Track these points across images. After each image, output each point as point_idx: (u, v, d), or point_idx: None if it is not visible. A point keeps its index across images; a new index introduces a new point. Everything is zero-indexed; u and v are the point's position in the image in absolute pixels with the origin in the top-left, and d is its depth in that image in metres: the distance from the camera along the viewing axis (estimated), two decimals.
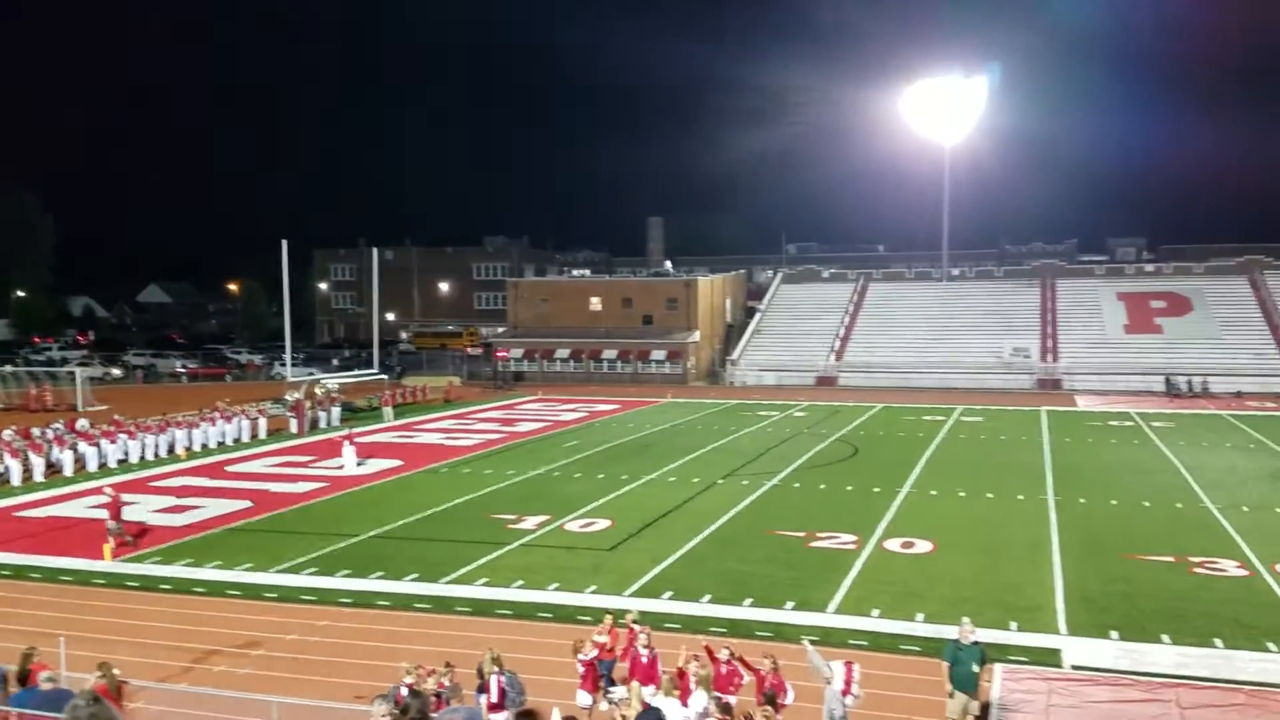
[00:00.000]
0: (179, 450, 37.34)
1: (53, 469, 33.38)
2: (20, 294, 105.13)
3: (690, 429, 44.09)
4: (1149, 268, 78.52)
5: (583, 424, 46.33)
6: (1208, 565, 20.62)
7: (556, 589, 19.47)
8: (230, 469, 34.23)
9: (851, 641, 16.25)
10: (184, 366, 76.33)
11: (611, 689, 13.51)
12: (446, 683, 12.32)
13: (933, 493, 28.83)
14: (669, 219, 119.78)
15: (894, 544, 22.72)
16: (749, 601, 18.54)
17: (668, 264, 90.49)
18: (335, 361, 77.77)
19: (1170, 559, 21.11)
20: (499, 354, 73.26)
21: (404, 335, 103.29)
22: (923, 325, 71.33)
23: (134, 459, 35.66)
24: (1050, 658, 15.59)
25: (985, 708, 13.44)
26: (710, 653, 12.73)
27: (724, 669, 12.60)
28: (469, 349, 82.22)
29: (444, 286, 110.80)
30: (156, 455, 36.48)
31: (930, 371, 64.52)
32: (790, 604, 18.37)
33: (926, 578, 20.03)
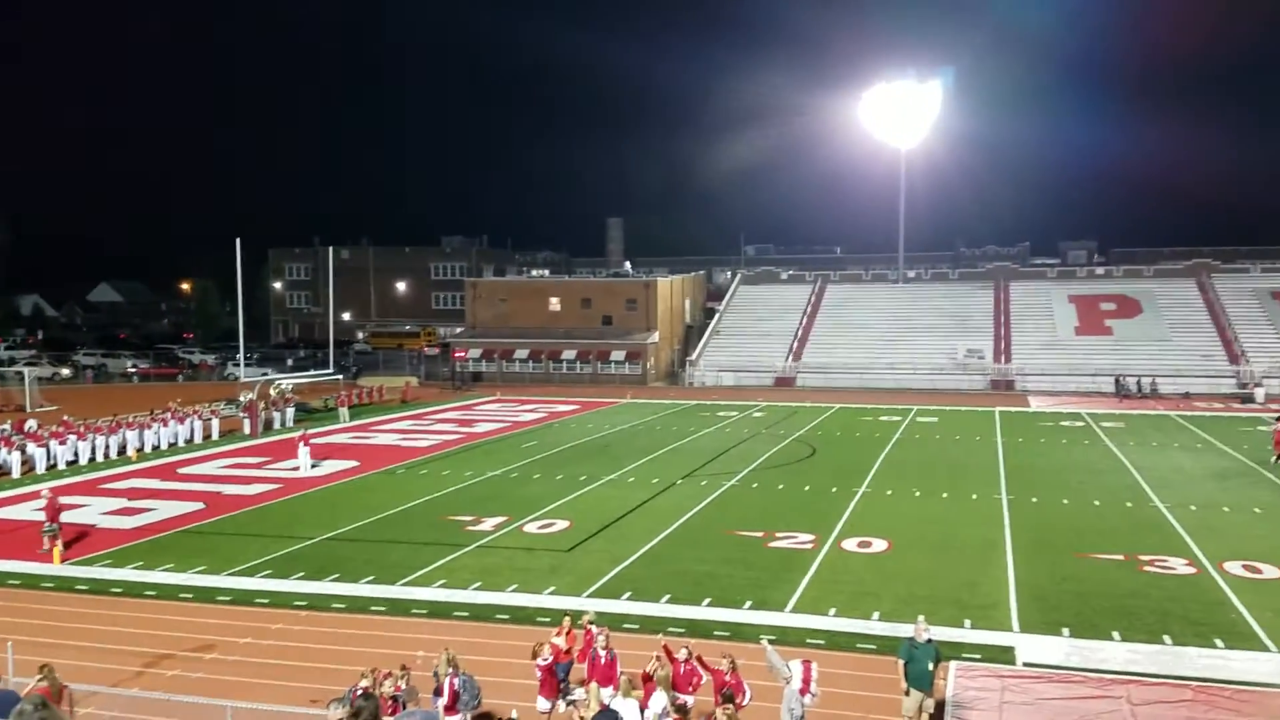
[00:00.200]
0: (130, 451, 36.74)
1: (1, 471, 32.64)
2: None
3: (649, 429, 44.14)
4: (1099, 270, 79.96)
5: (542, 425, 46.19)
6: (1157, 563, 21.02)
7: (515, 590, 19.39)
8: (183, 470, 33.70)
9: (809, 640, 16.35)
10: (135, 366, 75.15)
11: (571, 691, 13.48)
12: (403, 685, 12.21)
13: (889, 492, 29.12)
14: (628, 220, 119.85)
15: (851, 543, 22.92)
16: (707, 601, 18.60)
17: (627, 265, 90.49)
18: (290, 362, 76.79)
19: (1120, 557, 21.50)
20: (457, 354, 72.84)
21: (360, 335, 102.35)
22: (879, 327, 72.05)
23: (84, 460, 35.03)
24: (1004, 655, 15.80)
25: (940, 705, 13.58)
26: (669, 652, 12.74)
27: (682, 669, 12.61)
28: (426, 349, 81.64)
29: (401, 286, 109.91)
30: (107, 456, 35.87)
31: (886, 372, 65.17)
32: (748, 603, 18.46)
33: (882, 576, 20.22)
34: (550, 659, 13.18)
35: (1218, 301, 68.72)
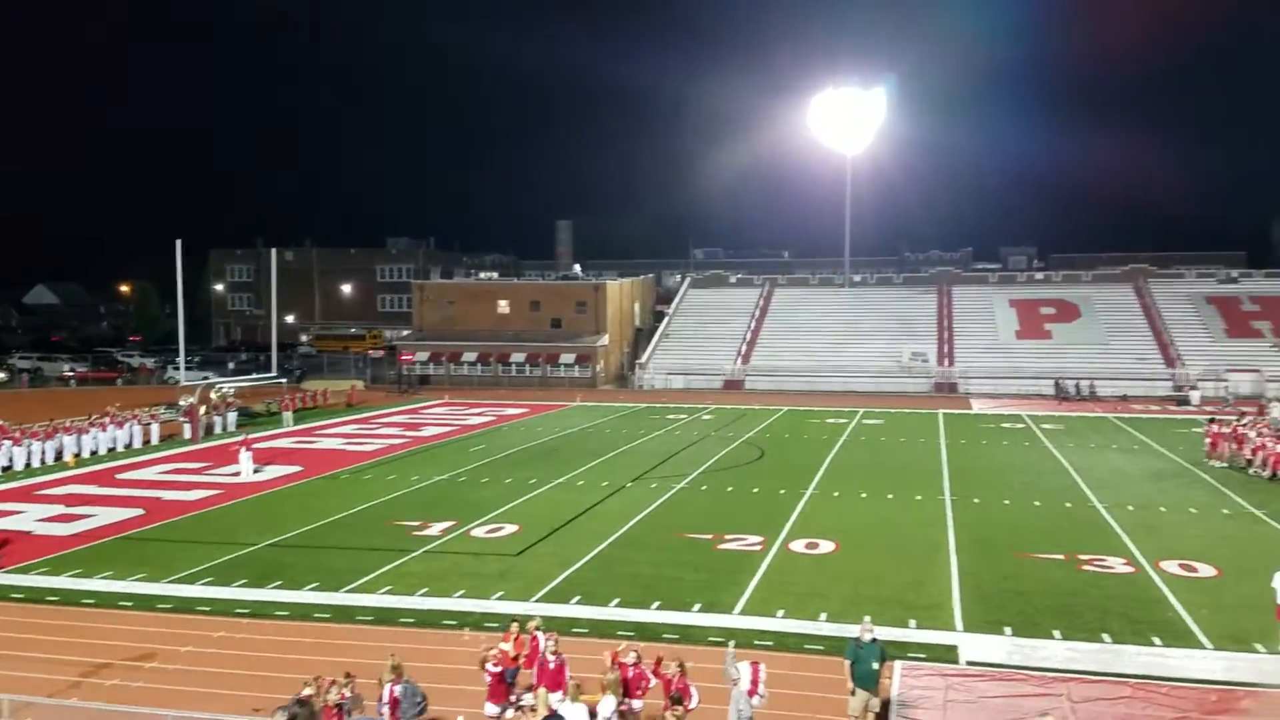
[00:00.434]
0: (67, 457, 35.88)
1: None
2: None
3: (599, 432, 44.08)
4: (1039, 276, 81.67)
5: (490, 428, 45.90)
6: (1096, 563, 21.48)
7: (462, 596, 19.23)
8: (121, 476, 32.98)
9: (757, 642, 16.43)
10: (73, 370, 73.38)
11: (521, 696, 13.39)
12: (348, 694, 12.04)
13: (836, 494, 29.40)
14: (578, 222, 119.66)
15: (799, 545, 23.09)
16: (657, 604, 18.61)
17: (576, 267, 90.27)
18: (232, 365, 75.62)
19: (1060, 557, 21.92)
20: (403, 357, 72.14)
21: (304, 338, 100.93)
22: (826, 330, 72.75)
23: (19, 466, 34.16)
24: (947, 654, 16.03)
25: (886, 705, 13.74)
26: (615, 658, 12.72)
27: (630, 673, 12.60)
28: (370, 351, 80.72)
29: (346, 288, 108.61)
30: (43, 462, 35.04)
31: (833, 375, 65.81)
32: (698, 606, 18.50)
33: (830, 578, 20.40)
34: (500, 668, 13.09)
35: (1154, 306, 70.49)
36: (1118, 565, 21.28)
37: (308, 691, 11.72)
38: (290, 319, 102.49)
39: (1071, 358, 64.45)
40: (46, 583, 20.31)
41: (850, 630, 14.84)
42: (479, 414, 51.50)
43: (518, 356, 71.00)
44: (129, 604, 18.97)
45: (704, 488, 30.56)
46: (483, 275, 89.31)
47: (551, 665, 12.97)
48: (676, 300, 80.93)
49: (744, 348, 71.57)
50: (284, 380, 55.99)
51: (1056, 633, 16.98)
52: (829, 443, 40.30)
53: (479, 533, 24.53)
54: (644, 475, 32.71)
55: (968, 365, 65.96)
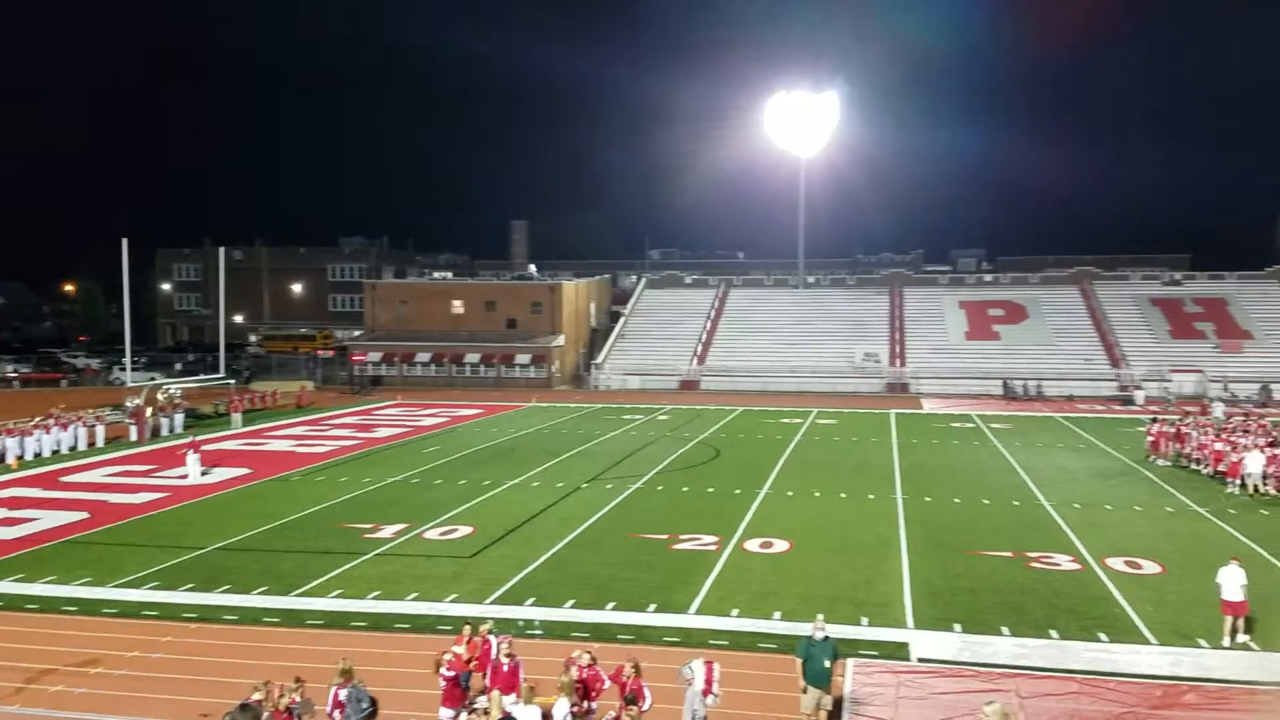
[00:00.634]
0: (10, 460, 35.21)
1: None
2: None
3: (555, 433, 43.96)
4: (988, 278, 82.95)
5: (444, 429, 45.56)
6: (1043, 560, 21.83)
7: (415, 599, 19.06)
8: (65, 479, 32.35)
9: (711, 641, 16.49)
10: (15, 371, 71.65)
11: (475, 700, 13.30)
12: (298, 698, 11.90)
13: (790, 494, 29.60)
14: (533, 223, 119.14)
15: (753, 544, 23.20)
16: (612, 605, 18.59)
17: (532, 267, 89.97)
18: (179, 366, 74.30)
19: (1009, 554, 22.26)
20: (355, 358, 71.38)
21: (253, 338, 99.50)
22: (781, 331, 73.27)
23: None
24: (899, 651, 16.20)
25: (838, 702, 13.84)
26: (570, 661, 12.66)
27: (584, 674, 12.57)
28: (319, 351, 79.74)
29: (297, 288, 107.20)
30: None
31: (788, 375, 66.30)
32: (653, 606, 18.51)
33: (784, 576, 20.52)
34: (454, 673, 12.97)
35: (1099, 308, 71.91)
36: (1065, 562, 21.65)
37: (257, 696, 11.60)
38: (239, 319, 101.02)
39: (1019, 358, 65.54)
40: None
41: (804, 628, 14.93)
42: (433, 415, 51.11)
43: (472, 357, 70.59)
44: (73, 609, 18.58)
45: (660, 488, 30.60)
46: (437, 275, 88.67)
47: (506, 668, 12.90)
48: (632, 301, 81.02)
49: (700, 348, 71.82)
50: (232, 381, 55.37)
51: (1005, 629, 17.23)
52: (783, 443, 40.56)
53: (432, 535, 24.34)
54: (600, 476, 32.68)
55: (919, 366, 66.79)
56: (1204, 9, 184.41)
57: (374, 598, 19.14)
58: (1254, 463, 29.16)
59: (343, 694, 12.02)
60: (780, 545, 23.11)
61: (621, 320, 77.90)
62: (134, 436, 41.10)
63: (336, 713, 12.01)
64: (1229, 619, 16.49)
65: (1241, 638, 16.41)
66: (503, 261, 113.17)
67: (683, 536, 23.88)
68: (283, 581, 20.20)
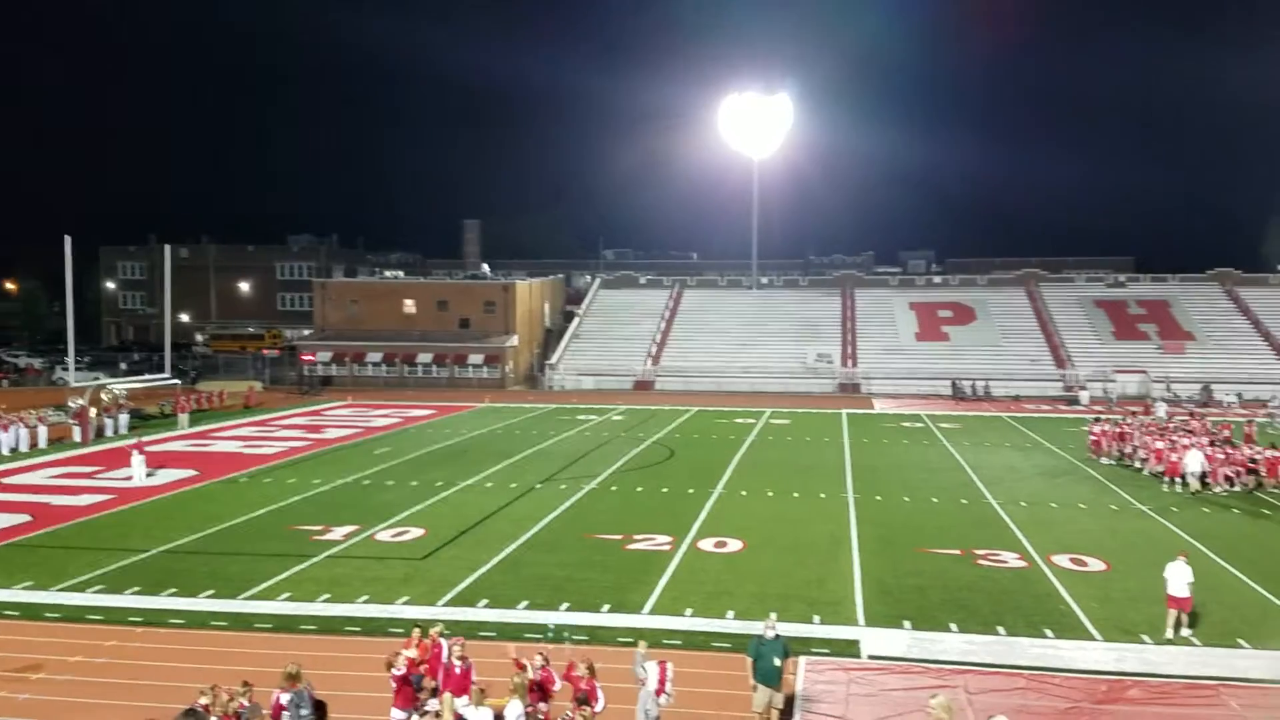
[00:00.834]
0: None
1: None
2: None
3: (508, 434, 43.75)
4: (937, 279, 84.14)
5: (395, 430, 45.14)
6: (990, 557, 22.18)
7: (366, 601, 18.86)
8: (7, 481, 31.66)
9: (665, 641, 16.49)
10: None
11: (426, 702, 13.19)
12: (245, 703, 11.76)
13: (743, 493, 29.75)
14: (486, 222, 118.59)
15: (707, 544, 23.28)
16: (566, 606, 18.54)
17: (485, 267, 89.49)
18: (124, 365, 72.88)
19: (957, 552, 22.57)
20: (304, 357, 70.45)
21: (200, 338, 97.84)
22: (735, 331, 73.65)
23: None
24: (850, 649, 16.35)
25: (790, 700, 13.93)
26: (518, 665, 12.58)
27: (538, 675, 12.53)
28: (264, 350, 78.61)
29: (244, 286, 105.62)
30: None
31: (742, 376, 66.68)
32: (607, 606, 18.50)
33: (737, 576, 20.62)
34: (403, 671, 12.86)
35: (1045, 309, 73.24)
36: (1011, 560, 22.00)
37: (204, 701, 11.45)
38: (185, 318, 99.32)
39: (968, 359, 66.52)
40: None
41: (757, 627, 15.02)
42: (384, 416, 50.61)
43: (424, 357, 70.03)
44: (15, 613, 18.15)
45: (614, 488, 30.58)
46: (388, 274, 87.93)
47: (458, 670, 12.82)
48: (587, 301, 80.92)
49: (654, 348, 71.93)
50: (178, 381, 54.52)
51: (954, 626, 17.47)
52: (737, 443, 40.77)
53: (384, 537, 24.09)
54: (554, 476, 32.59)
55: (870, 366, 67.50)
56: (1148, 20, 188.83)
57: (324, 600, 18.91)
58: (1193, 461, 29.89)
59: (284, 698, 11.89)
60: (734, 544, 23.22)
61: (576, 320, 77.78)
62: (78, 437, 40.25)
63: (282, 716, 11.85)
64: (1173, 613, 16.91)
65: (1185, 632, 16.82)
66: (455, 261, 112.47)
67: (637, 536, 23.90)
68: (230, 584, 19.88)
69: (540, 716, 12.38)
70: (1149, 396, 56.75)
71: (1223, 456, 30.37)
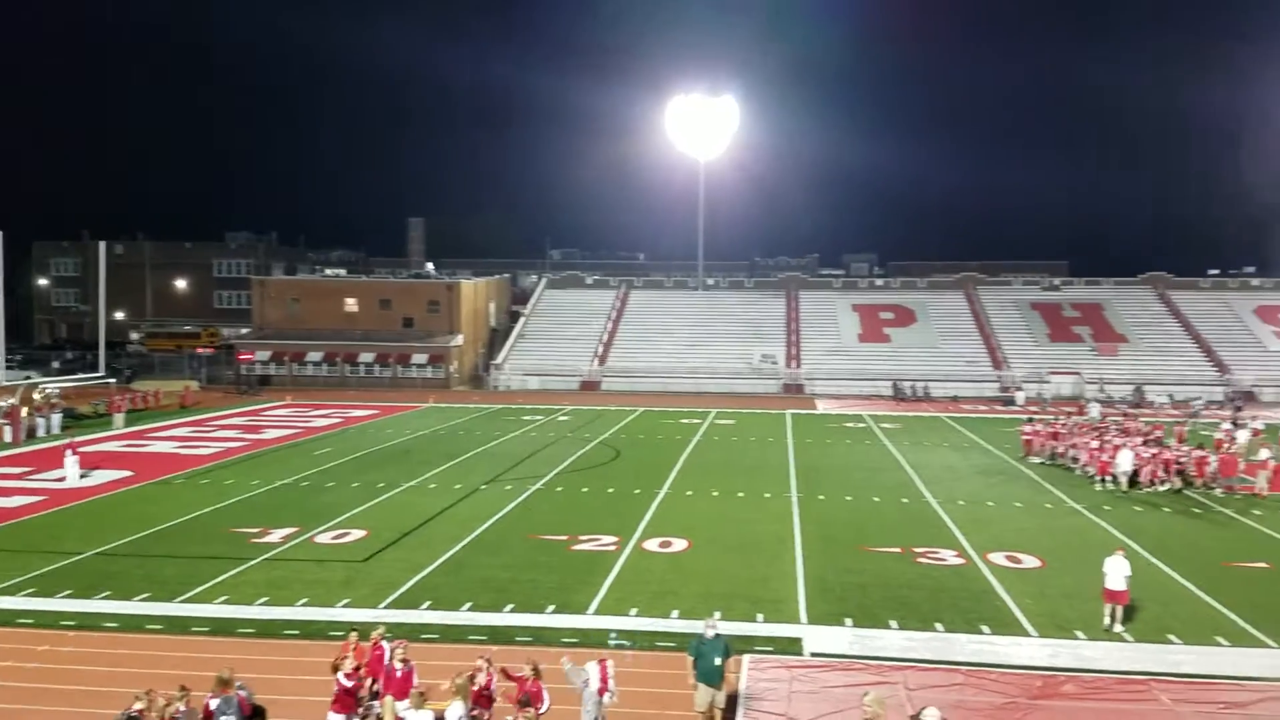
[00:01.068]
0: None
1: None
2: None
3: (452, 434, 43.43)
4: (879, 282, 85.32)
5: (336, 430, 44.54)
6: (930, 555, 22.56)
7: (305, 604, 18.60)
8: None
9: (611, 642, 16.53)
10: None
11: (368, 706, 13.06)
12: (182, 708, 11.56)
13: (689, 493, 29.88)
14: (431, 220, 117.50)
15: (653, 544, 23.35)
16: (510, 607, 18.47)
17: (429, 265, 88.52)
18: (56, 364, 70.90)
19: (898, 550, 22.93)
20: (242, 356, 69.19)
21: (135, 336, 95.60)
22: (681, 332, 73.91)
23: None
24: (792, 646, 16.53)
25: (733, 698, 14.04)
26: (473, 678, 12.50)
27: (488, 682, 12.49)
28: (199, 349, 77.11)
29: (181, 284, 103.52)
30: None
31: (687, 376, 66.92)
32: (551, 607, 18.46)
33: (682, 575, 20.71)
34: (352, 684, 12.69)
35: (983, 312, 74.63)
36: (950, 557, 22.40)
37: (139, 706, 11.28)
38: (120, 316, 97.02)
39: (908, 360, 67.49)
40: None
41: (700, 626, 15.10)
42: (324, 416, 49.92)
43: (366, 356, 69.16)
44: None
45: (559, 489, 30.53)
46: (329, 272, 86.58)
47: (399, 673, 12.71)
48: (533, 300, 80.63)
49: (600, 349, 71.90)
50: (113, 380, 53.45)
51: (894, 623, 17.74)
52: (683, 443, 40.93)
53: (324, 539, 23.78)
54: (499, 477, 32.42)
55: (813, 367, 68.19)
56: (1081, 28, 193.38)
57: (262, 604, 18.61)
58: (1124, 460, 30.71)
59: (214, 703, 11.74)
60: (679, 544, 23.32)
61: (521, 320, 77.44)
62: (8, 438, 39.25)
63: None
64: (1110, 606, 17.39)
65: (1118, 628, 17.27)
66: (399, 259, 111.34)
67: (582, 537, 23.89)
68: (166, 587, 19.49)
69: (485, 718, 12.35)
70: (1083, 397, 58.13)
71: (1149, 455, 31.23)
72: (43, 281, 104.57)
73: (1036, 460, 36.11)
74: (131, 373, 65.76)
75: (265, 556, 22.00)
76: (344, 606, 18.45)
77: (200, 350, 76.49)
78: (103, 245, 60.00)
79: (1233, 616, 18.07)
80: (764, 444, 41.10)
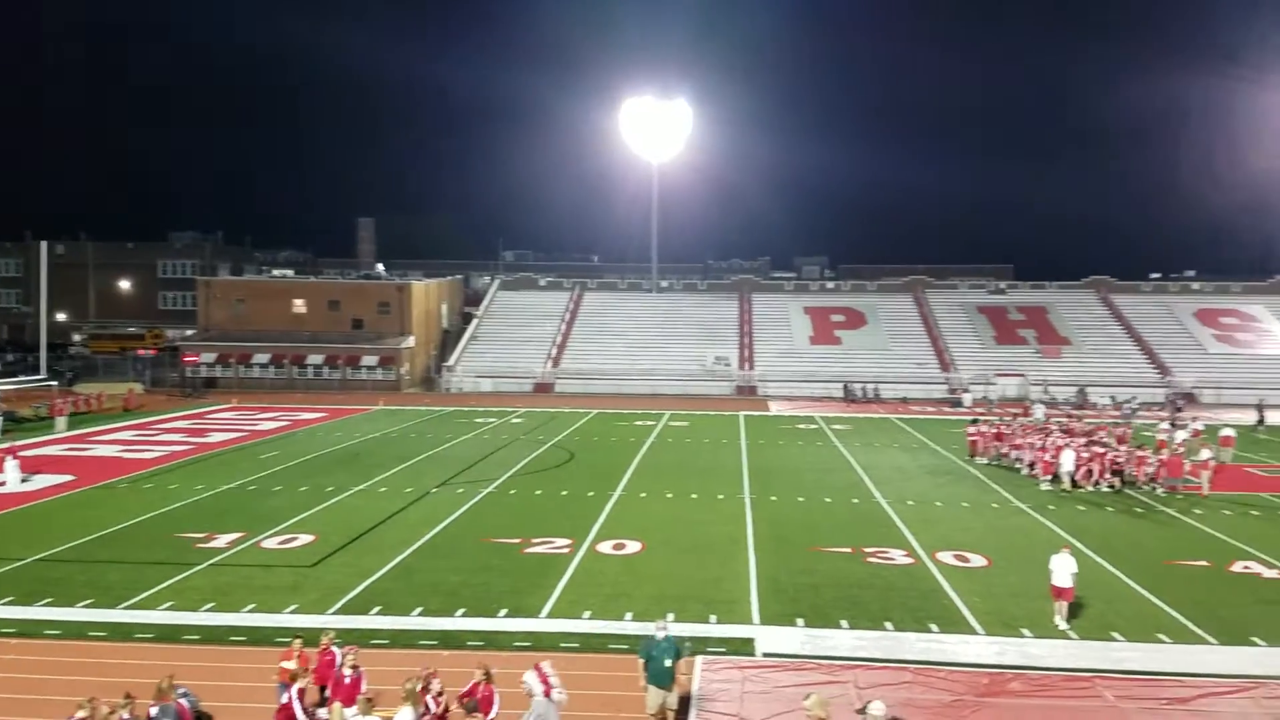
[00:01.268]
0: None
1: None
2: None
3: (403, 437, 43.03)
4: (830, 285, 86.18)
5: (284, 433, 43.92)
6: (879, 555, 22.81)
7: (252, 610, 18.32)
8: None
9: (563, 644, 16.50)
10: None
11: (314, 713, 12.90)
12: (126, 715, 11.38)
13: (643, 495, 29.91)
14: (381, 220, 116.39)
15: (606, 546, 23.34)
16: (461, 611, 18.34)
17: (379, 266, 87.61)
18: None
19: (848, 550, 23.15)
20: (187, 358, 67.95)
21: (77, 338, 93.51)
22: (634, 334, 74.00)
23: None
24: (745, 647, 16.62)
25: (686, 699, 14.08)
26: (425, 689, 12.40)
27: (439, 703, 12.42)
28: (139, 351, 75.64)
29: (124, 285, 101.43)
30: None
31: (641, 378, 67.01)
32: (504, 611, 18.37)
33: (636, 577, 20.72)
34: (301, 708, 12.50)
35: (931, 315, 75.70)
36: (899, 557, 22.67)
37: (81, 715, 11.14)
38: (62, 317, 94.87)
39: (859, 362, 68.22)
40: None
41: (652, 628, 15.13)
42: (272, 419, 49.21)
43: (315, 358, 68.29)
44: None
45: (512, 492, 30.39)
46: (276, 272, 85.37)
47: (348, 679, 12.58)
48: (485, 302, 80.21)
49: (554, 350, 71.73)
50: (54, 383, 52.24)
51: (844, 622, 17.91)
52: (637, 445, 40.96)
53: (270, 544, 23.43)
54: (450, 480, 32.19)
55: (766, 369, 68.65)
56: (1033, 41, 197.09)
57: (208, 610, 18.29)
58: (1067, 460, 31.31)
59: (154, 710, 11.58)
60: (633, 546, 23.33)
61: (474, 322, 77.00)
62: None
63: None
64: (1057, 603, 17.73)
65: (1064, 625, 17.60)
66: (349, 260, 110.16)
67: (535, 540, 23.80)
68: (110, 594, 19.09)
69: None
70: (1027, 399, 59.22)
71: (1088, 455, 31.86)
72: None
73: (983, 461, 36.69)
74: (74, 375, 64.36)
75: (211, 562, 21.63)
76: (292, 612, 18.20)
77: (143, 352, 74.90)
78: (44, 245, 58.72)
79: (1174, 614, 18.50)
80: (717, 445, 41.28)
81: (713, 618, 18.07)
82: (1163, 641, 17.12)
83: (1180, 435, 36.78)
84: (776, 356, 70.59)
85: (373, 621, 17.74)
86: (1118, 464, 31.66)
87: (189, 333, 75.07)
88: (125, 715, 11.36)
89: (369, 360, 68.16)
